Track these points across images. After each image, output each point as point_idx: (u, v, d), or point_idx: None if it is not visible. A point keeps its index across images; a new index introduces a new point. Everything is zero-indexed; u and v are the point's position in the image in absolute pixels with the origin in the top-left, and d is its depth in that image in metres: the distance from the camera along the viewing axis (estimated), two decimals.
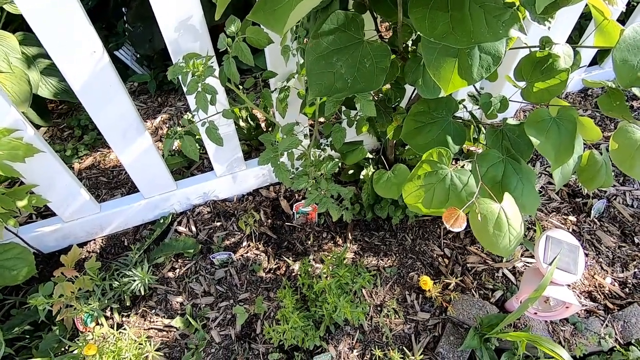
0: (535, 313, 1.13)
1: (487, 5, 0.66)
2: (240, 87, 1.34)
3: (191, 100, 1.18)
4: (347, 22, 0.84)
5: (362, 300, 1.28)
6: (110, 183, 1.72)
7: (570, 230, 1.51)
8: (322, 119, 1.60)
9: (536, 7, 0.57)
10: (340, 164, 1.75)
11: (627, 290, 1.35)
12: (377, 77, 0.84)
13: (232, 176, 1.56)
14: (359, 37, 0.84)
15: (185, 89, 1.02)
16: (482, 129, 1.24)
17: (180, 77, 1.01)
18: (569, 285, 1.36)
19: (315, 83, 0.87)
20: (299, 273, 1.32)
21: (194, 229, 1.53)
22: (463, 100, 1.25)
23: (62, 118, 2.01)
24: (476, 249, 1.46)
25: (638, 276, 1.39)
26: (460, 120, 1.05)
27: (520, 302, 1.12)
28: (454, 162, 1.79)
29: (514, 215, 0.83)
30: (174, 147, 1.83)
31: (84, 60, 1.01)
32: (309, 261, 1.37)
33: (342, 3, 0.95)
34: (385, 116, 1.31)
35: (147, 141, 1.28)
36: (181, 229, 1.52)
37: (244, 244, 1.50)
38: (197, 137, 1.65)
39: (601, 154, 1.05)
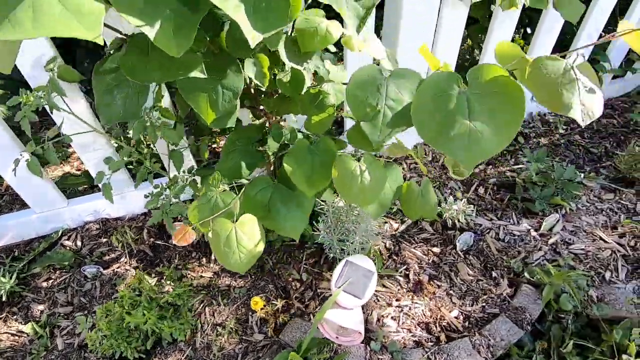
0: (337, 337, 1.14)
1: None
2: None
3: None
4: None
5: (191, 318, 1.34)
6: None
7: (431, 261, 1.52)
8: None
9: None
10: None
11: (467, 324, 1.33)
12: (140, 108, 0.96)
13: (121, 196, 1.70)
14: None
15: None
16: None
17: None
18: (371, 311, 1.36)
19: (104, 112, 1.00)
20: (118, 287, 1.42)
21: (79, 243, 1.66)
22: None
23: None
24: (331, 275, 1.49)
25: (486, 310, 1.37)
26: (261, 149, 1.14)
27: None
28: None
29: (249, 234, 0.89)
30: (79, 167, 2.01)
31: None
32: (164, 277, 1.45)
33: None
34: None
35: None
36: (67, 243, 1.66)
37: (122, 259, 1.61)
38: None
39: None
